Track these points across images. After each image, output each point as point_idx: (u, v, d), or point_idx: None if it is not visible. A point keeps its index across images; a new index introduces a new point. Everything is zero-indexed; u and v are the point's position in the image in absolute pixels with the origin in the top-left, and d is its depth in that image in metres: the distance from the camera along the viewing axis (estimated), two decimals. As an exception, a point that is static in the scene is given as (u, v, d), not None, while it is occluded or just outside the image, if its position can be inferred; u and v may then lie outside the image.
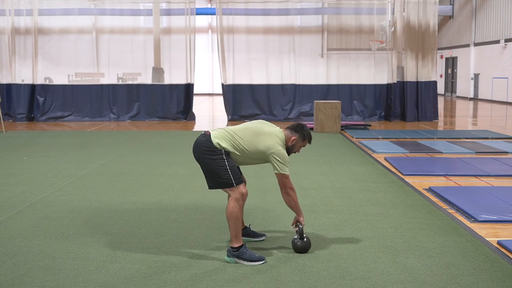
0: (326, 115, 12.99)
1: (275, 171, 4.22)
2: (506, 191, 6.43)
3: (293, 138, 4.34)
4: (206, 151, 4.16)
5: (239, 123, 4.44)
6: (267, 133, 4.24)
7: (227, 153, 4.16)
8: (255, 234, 4.69)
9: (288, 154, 4.33)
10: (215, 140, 4.16)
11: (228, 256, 4.18)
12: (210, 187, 4.28)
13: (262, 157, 4.23)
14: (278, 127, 4.41)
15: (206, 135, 4.23)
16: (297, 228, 4.37)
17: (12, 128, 14.07)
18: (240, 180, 4.18)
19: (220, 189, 4.28)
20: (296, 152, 4.47)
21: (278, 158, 4.18)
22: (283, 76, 16.43)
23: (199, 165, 4.34)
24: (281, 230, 4.99)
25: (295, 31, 17.11)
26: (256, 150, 4.20)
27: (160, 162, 8.74)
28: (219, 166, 4.13)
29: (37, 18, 16.31)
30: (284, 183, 4.26)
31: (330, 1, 17.61)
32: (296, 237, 4.39)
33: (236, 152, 4.19)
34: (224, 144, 4.15)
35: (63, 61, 17.59)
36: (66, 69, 17.55)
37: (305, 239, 4.36)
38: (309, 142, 4.46)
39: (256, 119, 4.36)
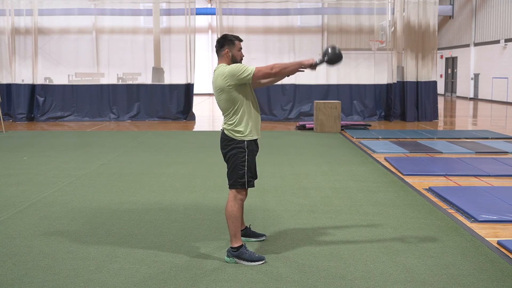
0: (326, 115, 12.99)
1: (250, 79, 4.06)
2: (506, 191, 6.43)
3: (225, 51, 4.22)
4: (225, 144, 4.19)
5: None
6: (215, 79, 4.16)
7: (248, 142, 4.13)
8: (255, 234, 4.69)
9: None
10: (228, 132, 4.17)
11: (228, 256, 4.18)
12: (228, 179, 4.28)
13: (235, 92, 4.09)
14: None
15: (222, 131, 4.26)
16: (319, 59, 4.12)
17: (12, 128, 14.07)
18: (252, 183, 4.22)
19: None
20: (242, 58, 4.29)
21: (237, 73, 4.05)
22: (283, 76, 16.41)
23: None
24: (281, 230, 5.00)
25: (295, 31, 17.11)
26: (228, 96, 4.10)
27: (160, 162, 8.74)
28: (240, 162, 4.14)
29: (37, 18, 16.32)
30: (263, 72, 4.07)
31: (330, 1, 17.60)
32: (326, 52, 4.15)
33: (243, 114, 4.13)
34: (235, 127, 4.13)
35: (63, 61, 17.59)
36: (66, 69, 17.55)
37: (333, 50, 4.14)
38: (239, 40, 4.31)
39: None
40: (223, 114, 4.25)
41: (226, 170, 4.27)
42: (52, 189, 6.75)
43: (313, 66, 4.14)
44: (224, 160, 4.30)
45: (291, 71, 4.16)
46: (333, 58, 4.17)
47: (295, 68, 4.14)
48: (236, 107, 4.14)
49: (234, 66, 4.12)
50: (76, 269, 4.02)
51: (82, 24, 17.52)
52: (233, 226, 4.16)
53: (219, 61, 4.27)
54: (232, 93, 4.10)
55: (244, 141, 4.15)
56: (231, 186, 4.21)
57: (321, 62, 4.16)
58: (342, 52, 4.30)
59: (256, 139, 4.27)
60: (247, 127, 4.15)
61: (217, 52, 4.29)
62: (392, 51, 15.91)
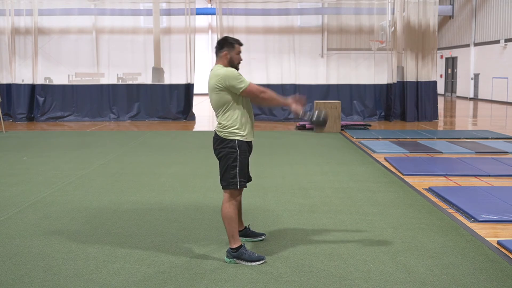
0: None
1: (240, 92, 4.11)
2: (506, 191, 6.43)
3: (224, 53, 4.24)
4: (218, 145, 4.20)
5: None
6: (210, 80, 4.18)
7: (240, 142, 4.14)
8: (254, 234, 4.69)
9: (237, 70, 4.25)
10: (221, 133, 4.18)
11: (227, 257, 4.18)
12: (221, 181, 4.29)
13: (227, 93, 4.11)
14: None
15: (215, 133, 4.27)
16: (306, 115, 4.19)
17: (12, 128, 14.07)
18: (244, 184, 4.20)
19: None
20: (240, 62, 4.33)
21: (230, 79, 4.09)
22: (283, 76, 16.44)
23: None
24: (281, 230, 5.00)
25: (295, 31, 17.11)
26: (220, 96, 4.12)
27: (160, 162, 8.73)
28: (231, 163, 4.13)
29: (37, 18, 16.32)
30: (253, 92, 4.16)
31: (330, 1, 17.61)
32: (311, 117, 4.22)
33: (236, 118, 4.14)
34: (229, 129, 4.14)
35: (63, 61, 17.60)
36: (66, 69, 17.56)
37: (318, 116, 4.21)
38: (239, 44, 4.33)
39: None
40: (215, 113, 4.27)
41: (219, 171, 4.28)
42: (52, 189, 6.75)
43: (297, 114, 4.23)
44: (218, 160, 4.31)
45: (276, 104, 4.31)
46: (317, 123, 4.26)
47: (281, 104, 4.28)
48: (227, 107, 4.15)
49: (232, 72, 4.14)
50: (76, 269, 4.02)
51: (82, 24, 17.54)
52: (230, 227, 4.16)
53: (217, 62, 4.29)
54: (223, 94, 4.13)
55: (235, 140, 4.15)
56: (224, 187, 4.21)
57: (307, 117, 4.25)
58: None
59: (250, 141, 4.27)
60: (237, 127, 4.15)
61: (216, 52, 4.31)
62: (392, 51, 15.91)
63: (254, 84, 4.16)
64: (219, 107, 4.18)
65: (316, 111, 4.25)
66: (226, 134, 4.16)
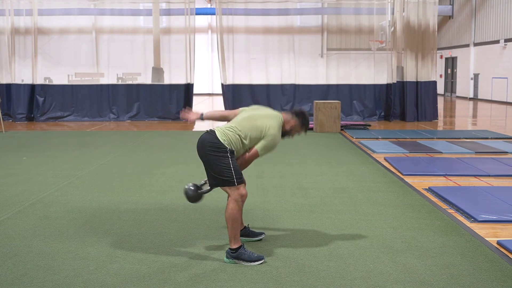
0: (326, 115, 12.99)
1: (256, 146, 4.24)
2: (506, 191, 6.43)
3: (293, 122, 4.35)
4: (211, 148, 4.15)
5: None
6: (267, 116, 4.28)
7: (232, 151, 4.17)
8: (254, 234, 4.68)
9: (282, 137, 4.39)
10: (222, 137, 4.16)
11: (227, 257, 4.18)
12: (211, 185, 4.27)
13: (260, 138, 4.24)
14: (277, 111, 4.46)
15: (212, 133, 4.23)
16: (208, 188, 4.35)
17: (12, 128, 14.07)
18: (241, 180, 4.17)
19: (220, 189, 4.28)
20: (291, 137, 4.48)
21: (268, 142, 4.23)
22: (283, 76, 16.44)
23: (198, 165, 4.34)
24: (281, 230, 5.00)
25: (294, 31, 17.11)
26: (256, 135, 4.23)
27: (160, 162, 8.73)
28: (223, 164, 4.11)
29: (36, 18, 16.31)
30: (254, 156, 4.29)
31: (330, 1, 17.61)
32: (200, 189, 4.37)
33: (241, 146, 4.23)
34: (231, 141, 4.16)
35: (63, 61, 17.59)
36: (66, 69, 17.55)
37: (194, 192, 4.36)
38: (305, 131, 4.49)
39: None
40: (237, 126, 4.25)
41: (208, 180, 4.28)
42: (52, 189, 6.75)
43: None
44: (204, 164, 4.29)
45: (244, 165, 4.38)
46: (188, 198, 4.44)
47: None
48: (249, 139, 4.23)
49: (274, 142, 4.27)
50: (76, 269, 4.02)
51: (82, 24, 17.53)
52: (233, 228, 4.15)
53: (286, 115, 4.40)
54: (258, 134, 4.24)
55: (233, 151, 4.18)
56: (222, 187, 4.19)
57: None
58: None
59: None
60: (234, 147, 4.19)
61: (292, 112, 4.42)
62: (392, 51, 15.91)
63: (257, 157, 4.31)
64: (248, 132, 4.22)
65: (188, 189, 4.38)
66: (225, 140, 4.15)
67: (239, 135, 4.21)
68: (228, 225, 4.17)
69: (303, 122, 4.40)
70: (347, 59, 17.41)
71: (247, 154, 4.29)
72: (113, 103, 16.15)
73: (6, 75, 16.38)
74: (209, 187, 4.34)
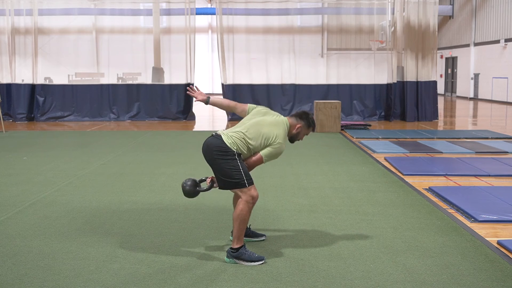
0: (326, 115, 12.99)
1: (261, 152, 4.23)
2: (506, 191, 6.43)
3: (298, 125, 4.36)
4: (218, 152, 4.13)
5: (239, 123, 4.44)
6: (275, 123, 4.28)
7: (239, 154, 4.17)
8: (255, 234, 4.69)
9: (292, 142, 4.43)
10: (228, 141, 4.16)
11: (227, 257, 4.17)
12: (221, 187, 4.26)
13: (265, 145, 4.25)
14: (283, 116, 4.44)
15: (218, 137, 4.21)
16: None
17: (12, 128, 14.07)
18: (251, 181, 4.18)
19: (220, 190, 4.28)
20: (300, 140, 4.48)
21: (274, 150, 4.24)
22: (283, 76, 16.44)
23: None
24: (281, 230, 5.00)
25: (295, 31, 17.11)
26: (262, 143, 4.24)
27: (160, 162, 8.73)
28: (232, 167, 4.11)
29: (37, 18, 16.31)
30: (259, 162, 4.29)
31: (330, 1, 17.59)
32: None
33: (246, 151, 4.23)
34: (238, 145, 4.17)
35: (63, 61, 17.58)
36: (66, 69, 17.54)
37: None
38: (313, 130, 4.49)
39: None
40: (243, 130, 4.25)
41: (218, 184, 4.27)
42: (52, 189, 6.75)
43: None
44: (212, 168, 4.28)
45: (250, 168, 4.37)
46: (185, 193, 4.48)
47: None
48: (254, 145, 4.23)
49: (279, 150, 4.28)
50: (76, 269, 4.02)
51: (82, 24, 17.51)
52: (239, 229, 4.14)
53: (290, 119, 4.40)
54: (263, 141, 4.23)
55: (240, 154, 4.19)
56: (232, 189, 4.18)
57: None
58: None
59: None
60: (241, 151, 4.20)
61: (295, 115, 4.42)
62: (392, 51, 15.91)
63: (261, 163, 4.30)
64: (253, 136, 4.22)
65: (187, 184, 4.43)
66: (232, 145, 4.15)
67: (245, 140, 4.20)
68: (234, 225, 4.15)
69: (309, 122, 4.40)
70: (347, 59, 17.40)
71: (252, 158, 4.28)
72: (113, 103, 16.15)
73: (6, 75, 16.37)
74: (208, 185, 4.34)
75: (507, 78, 23.22)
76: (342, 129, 13.23)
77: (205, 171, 7.81)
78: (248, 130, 4.25)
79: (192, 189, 4.38)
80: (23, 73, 16.28)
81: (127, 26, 17.50)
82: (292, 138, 4.41)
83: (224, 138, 4.18)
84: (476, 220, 5.25)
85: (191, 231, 4.98)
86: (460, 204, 5.72)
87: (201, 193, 4.44)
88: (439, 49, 26.56)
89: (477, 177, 7.45)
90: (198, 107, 17.20)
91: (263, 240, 4.68)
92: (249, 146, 4.22)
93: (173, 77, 16.60)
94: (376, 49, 17.12)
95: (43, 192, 6.58)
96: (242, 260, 4.11)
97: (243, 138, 4.21)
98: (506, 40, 23.46)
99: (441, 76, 30.03)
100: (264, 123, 4.28)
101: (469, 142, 10.82)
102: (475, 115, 19.04)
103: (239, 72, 16.27)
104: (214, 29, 23.10)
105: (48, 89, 16.16)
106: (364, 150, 9.89)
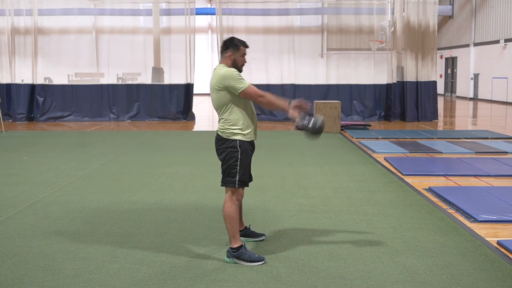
0: (326, 115, 12.98)
1: (238, 93, 4.09)
2: (506, 191, 6.43)
3: (229, 54, 4.23)
4: (221, 146, 4.22)
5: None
6: (212, 81, 4.19)
7: (242, 142, 4.14)
8: (254, 234, 4.69)
9: (240, 71, 4.22)
10: (223, 134, 4.20)
11: (227, 257, 4.18)
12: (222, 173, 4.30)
13: (227, 93, 4.11)
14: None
15: (217, 136, 4.28)
16: (302, 121, 4.08)
17: (12, 128, 14.07)
18: (244, 184, 4.20)
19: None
20: (244, 64, 4.29)
21: (229, 80, 4.07)
22: (283, 76, 16.44)
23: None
24: (281, 230, 5.00)
25: (295, 31, 17.10)
26: (220, 96, 4.13)
27: (160, 162, 8.73)
28: (230, 164, 4.15)
29: (36, 18, 16.31)
30: (250, 95, 4.14)
31: (330, 1, 17.60)
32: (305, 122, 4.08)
33: (239, 115, 4.15)
34: (229, 129, 4.16)
35: (63, 61, 17.58)
36: (66, 69, 17.54)
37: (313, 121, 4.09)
38: (245, 46, 4.31)
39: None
40: (217, 113, 4.28)
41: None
42: (52, 189, 6.75)
43: (293, 120, 4.14)
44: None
45: (275, 108, 4.30)
46: (312, 131, 4.11)
47: (280, 108, 4.24)
48: (227, 108, 4.16)
49: (231, 72, 4.12)
50: (76, 269, 4.02)
51: (82, 24, 17.51)
52: (231, 227, 4.16)
53: (220, 62, 4.32)
54: (222, 94, 4.13)
55: (236, 140, 4.15)
56: (222, 183, 4.23)
57: (303, 126, 4.10)
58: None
59: (252, 141, 4.26)
60: (238, 127, 4.16)
61: (221, 52, 4.34)
62: (392, 51, 15.91)
63: (253, 87, 4.12)
64: (219, 107, 4.20)
65: (313, 118, 4.11)
66: (227, 134, 4.16)
67: (223, 119, 4.18)
68: (226, 224, 4.18)
69: (234, 43, 4.23)
70: (347, 59, 17.40)
71: (255, 101, 4.18)
72: (113, 103, 16.15)
73: (6, 75, 16.37)
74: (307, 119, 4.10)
75: (507, 78, 23.23)
76: (342, 129, 13.23)
77: (205, 171, 7.84)
78: (216, 109, 4.26)
79: (320, 126, 4.11)
80: (23, 73, 16.29)
81: (127, 26, 17.50)
82: (236, 67, 4.21)
83: (220, 133, 4.23)
84: (476, 220, 5.25)
85: (191, 231, 4.98)
86: (460, 204, 5.73)
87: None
88: (439, 49, 26.57)
89: (477, 177, 7.45)
90: (198, 107, 17.19)
91: (263, 240, 4.68)
92: (230, 112, 4.15)
93: (173, 77, 16.60)
94: (376, 49, 17.12)
95: (43, 192, 6.58)
96: (242, 260, 4.11)
97: (221, 119, 4.20)
98: (506, 40, 23.47)
99: (441, 76, 30.03)
100: (211, 90, 4.22)
101: (469, 142, 10.82)
102: (475, 115, 19.05)
103: (239, 72, 16.25)
104: (214, 29, 23.08)
105: (48, 89, 16.16)
106: (364, 150, 9.89)
